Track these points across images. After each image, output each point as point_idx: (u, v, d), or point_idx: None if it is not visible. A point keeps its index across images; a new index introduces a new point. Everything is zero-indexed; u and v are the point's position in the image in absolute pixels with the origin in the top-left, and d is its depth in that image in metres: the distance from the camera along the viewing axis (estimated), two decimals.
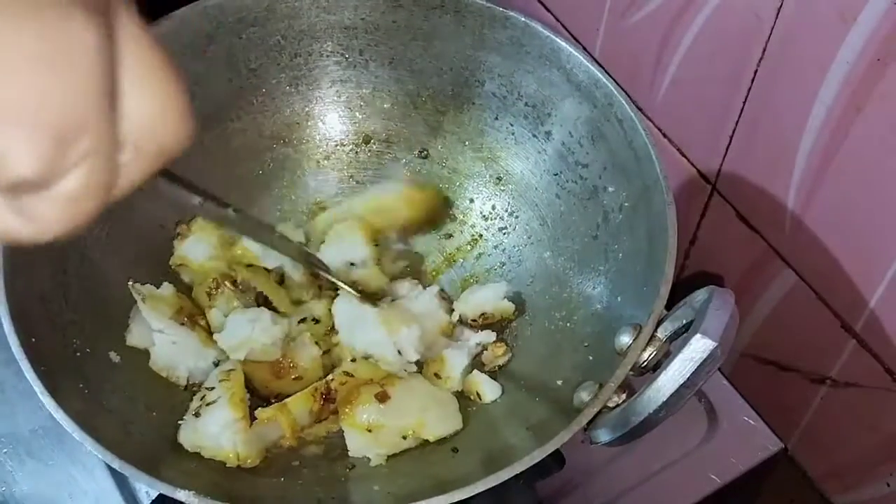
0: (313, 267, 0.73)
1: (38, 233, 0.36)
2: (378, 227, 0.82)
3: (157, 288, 0.74)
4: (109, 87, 0.35)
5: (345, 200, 0.84)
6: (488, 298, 0.78)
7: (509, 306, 0.77)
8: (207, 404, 0.68)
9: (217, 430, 0.67)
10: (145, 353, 0.72)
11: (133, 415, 0.66)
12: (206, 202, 0.54)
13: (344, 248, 0.79)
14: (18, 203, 0.35)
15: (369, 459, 0.69)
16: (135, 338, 0.72)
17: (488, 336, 0.76)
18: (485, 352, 0.76)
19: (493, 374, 0.75)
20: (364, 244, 0.79)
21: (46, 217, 0.35)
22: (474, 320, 0.78)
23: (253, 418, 0.69)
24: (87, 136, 0.34)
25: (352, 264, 0.79)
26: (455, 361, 0.74)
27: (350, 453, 0.70)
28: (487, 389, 0.73)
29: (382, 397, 0.69)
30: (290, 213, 0.85)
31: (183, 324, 0.73)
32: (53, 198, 0.34)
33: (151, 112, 0.37)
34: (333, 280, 0.73)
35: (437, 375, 0.74)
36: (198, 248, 0.77)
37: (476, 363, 0.76)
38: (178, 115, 0.38)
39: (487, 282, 0.81)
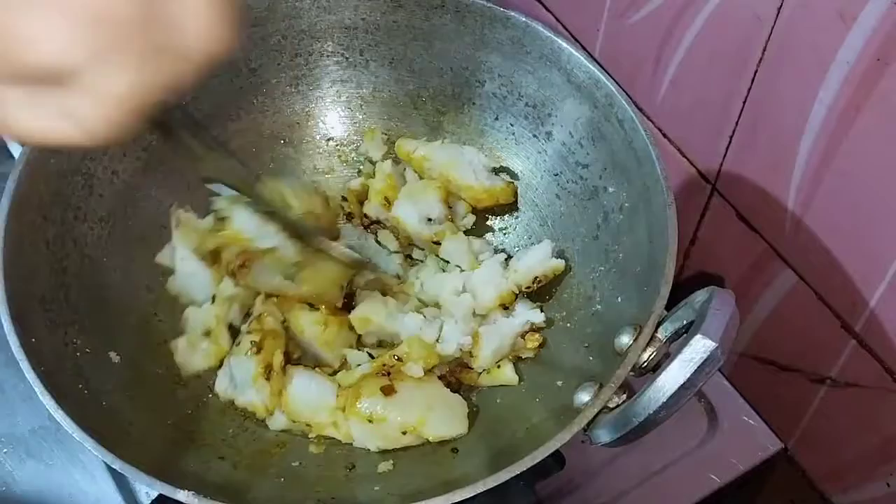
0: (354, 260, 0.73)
1: (86, 134, 0.35)
2: (451, 192, 0.81)
3: (201, 219, 0.77)
4: None
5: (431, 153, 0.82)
6: (537, 260, 0.76)
7: (559, 263, 0.76)
8: (236, 349, 0.72)
9: (244, 380, 0.70)
10: (145, 353, 0.72)
11: (133, 415, 0.66)
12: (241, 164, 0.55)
13: (419, 205, 0.79)
14: (63, 103, 0.34)
15: (369, 458, 0.69)
16: (164, 257, 0.77)
17: (537, 315, 0.74)
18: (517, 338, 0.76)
19: None
20: (439, 202, 0.79)
21: (91, 116, 0.35)
22: (528, 287, 0.76)
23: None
24: (128, 27, 0.33)
25: (429, 219, 0.79)
26: (489, 340, 0.73)
27: (354, 443, 0.70)
28: (508, 371, 0.73)
29: (388, 391, 0.68)
30: None
31: (203, 258, 0.75)
32: (95, 95, 0.34)
33: (199, 17, 0.37)
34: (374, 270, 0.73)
35: (469, 353, 0.74)
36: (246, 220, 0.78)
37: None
38: (225, 22, 0.38)
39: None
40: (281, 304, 0.75)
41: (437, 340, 0.73)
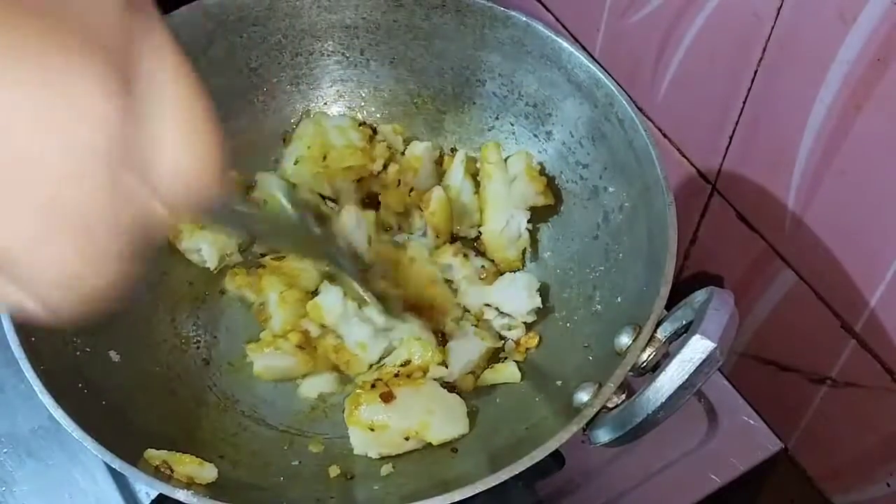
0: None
1: (52, 316, 0.33)
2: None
3: None
4: (120, 154, 0.31)
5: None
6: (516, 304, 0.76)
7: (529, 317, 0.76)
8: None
9: None
10: (145, 352, 0.72)
11: (133, 414, 0.66)
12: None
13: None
14: (25, 287, 0.31)
15: (370, 458, 0.69)
16: None
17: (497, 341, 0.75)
18: (509, 340, 0.76)
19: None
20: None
21: (54, 299, 0.32)
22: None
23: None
24: (84, 210, 0.30)
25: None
26: (457, 355, 0.73)
27: (354, 451, 0.69)
28: (511, 369, 0.73)
29: (387, 397, 0.68)
30: None
31: None
32: (50, 282, 0.31)
33: (184, 164, 0.34)
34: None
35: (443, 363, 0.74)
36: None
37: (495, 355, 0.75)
38: (213, 167, 0.35)
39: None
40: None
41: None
